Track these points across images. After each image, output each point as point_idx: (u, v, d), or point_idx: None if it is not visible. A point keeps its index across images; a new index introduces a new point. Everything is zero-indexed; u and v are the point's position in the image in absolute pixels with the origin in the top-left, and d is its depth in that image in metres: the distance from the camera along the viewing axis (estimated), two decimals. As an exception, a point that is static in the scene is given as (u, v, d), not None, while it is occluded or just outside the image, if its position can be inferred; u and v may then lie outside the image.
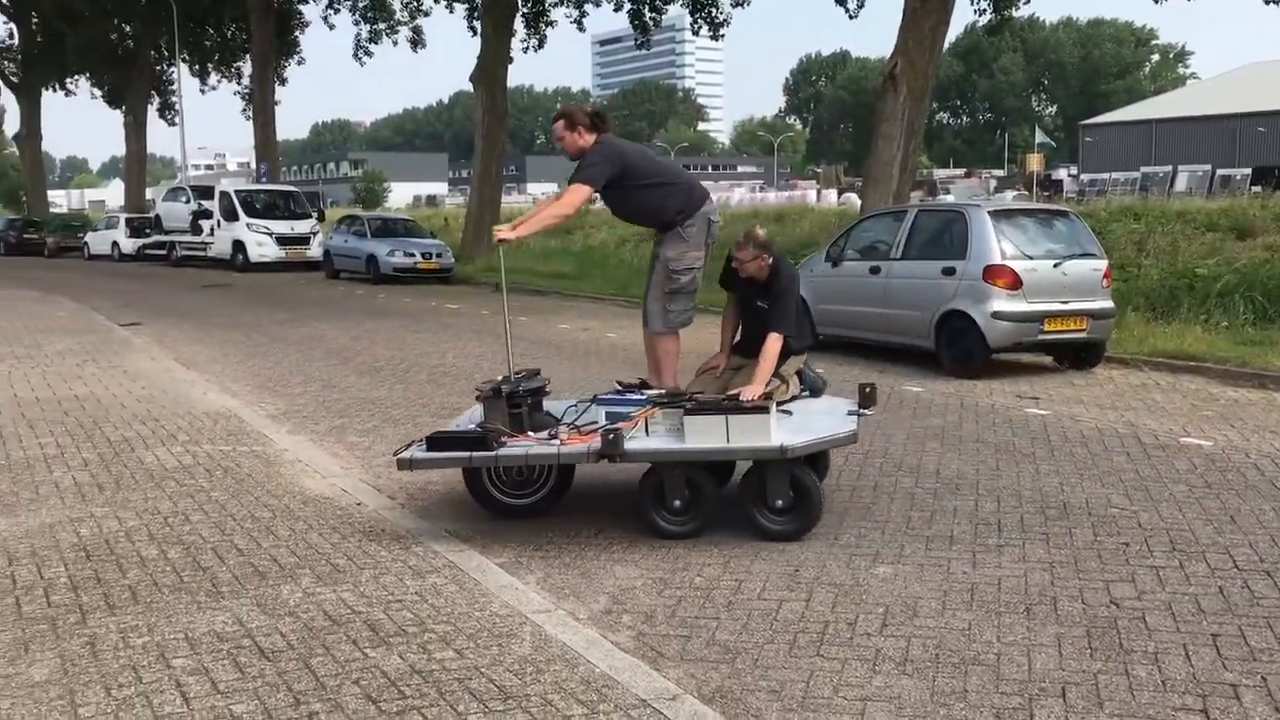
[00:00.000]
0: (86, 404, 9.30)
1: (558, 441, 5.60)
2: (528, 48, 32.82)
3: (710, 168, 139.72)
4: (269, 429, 8.44)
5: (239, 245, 29.42)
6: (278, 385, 10.66)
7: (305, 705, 3.67)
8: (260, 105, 38.52)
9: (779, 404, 5.77)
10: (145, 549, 5.34)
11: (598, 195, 6.45)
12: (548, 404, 6.21)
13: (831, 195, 55.34)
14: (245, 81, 46.26)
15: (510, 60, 29.31)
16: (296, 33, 43.69)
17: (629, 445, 5.43)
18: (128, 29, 48.17)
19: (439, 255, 25.52)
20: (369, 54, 39.75)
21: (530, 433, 5.73)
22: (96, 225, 40.02)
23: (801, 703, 3.83)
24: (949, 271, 10.91)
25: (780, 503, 5.54)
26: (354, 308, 19.38)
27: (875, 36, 34.68)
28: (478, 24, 30.46)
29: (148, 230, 35.40)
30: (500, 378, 6.09)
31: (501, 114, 29.63)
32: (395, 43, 41.51)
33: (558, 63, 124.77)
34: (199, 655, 4.08)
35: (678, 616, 4.66)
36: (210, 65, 48.39)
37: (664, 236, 6.50)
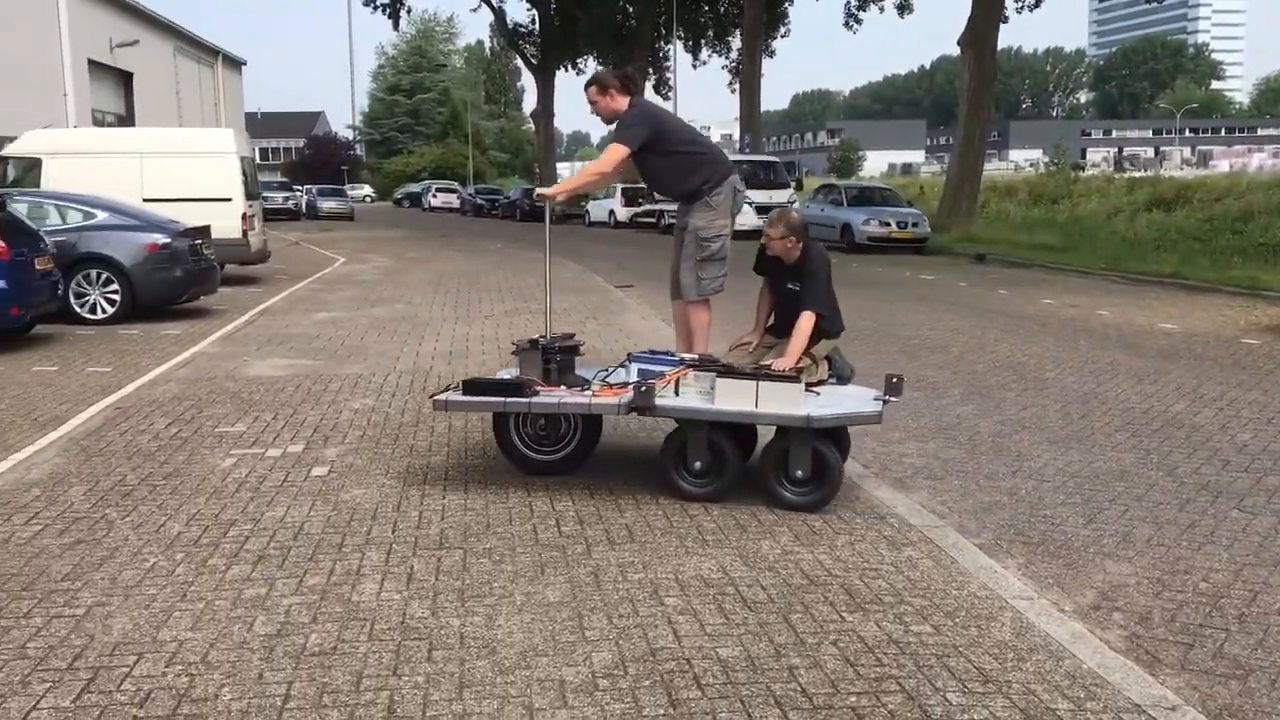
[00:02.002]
0: (588, 354, 10.17)
1: (589, 393, 5.72)
2: (1022, 7, 31.25)
3: (1223, 130, 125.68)
4: (749, 390, 8.76)
5: (721, 213, 30.75)
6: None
7: (785, 658, 3.79)
8: (747, 78, 39.96)
9: (807, 384, 5.78)
10: (640, 493, 5.77)
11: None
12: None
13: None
14: (734, 55, 48.22)
15: (1004, 20, 28.07)
16: (786, 4, 44.72)
17: (660, 402, 5.57)
18: (631, 10, 51.85)
19: (915, 224, 25.16)
20: (859, 21, 39.79)
21: (563, 387, 5.86)
22: (596, 195, 43.67)
23: (1331, 739, 3.38)
24: None
25: (800, 473, 5.52)
26: (828, 276, 19.60)
27: None
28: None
29: (640, 199, 38.06)
30: (537, 335, 6.24)
31: (989, 78, 28.53)
32: (883, 9, 41.15)
33: (1050, 21, 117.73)
34: (688, 596, 4.34)
35: (1178, 622, 4.27)
36: (703, 41, 50.93)
37: (690, 206, 6.52)
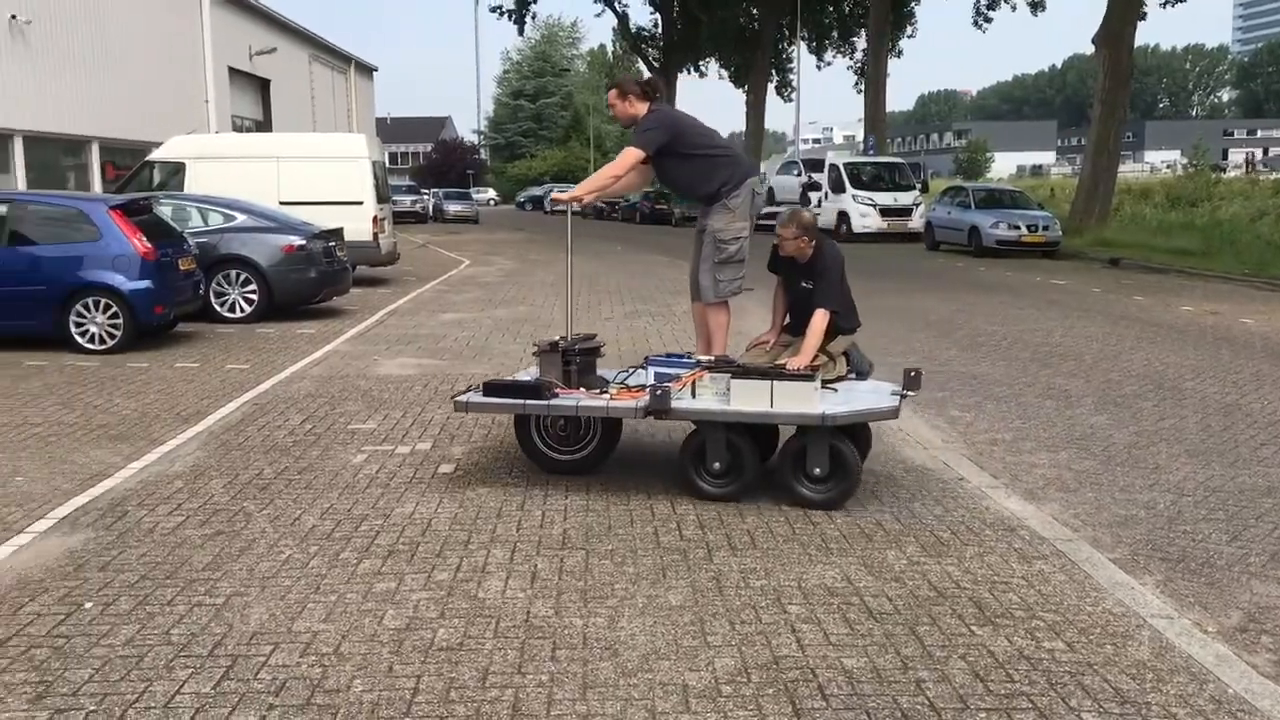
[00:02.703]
0: (710, 359, 10.17)
1: (607, 396, 5.79)
2: (1165, 2, 30.12)
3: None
4: (872, 395, 8.64)
5: (843, 216, 30.46)
6: (880, 354, 10.84)
7: (913, 671, 3.71)
8: (872, 78, 39.41)
9: (825, 382, 5.86)
10: (762, 499, 5.73)
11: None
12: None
13: None
14: (859, 56, 47.63)
15: (1142, 17, 27.13)
16: (913, 4, 43.99)
17: (676, 404, 5.62)
18: (754, 12, 51.63)
19: (1045, 228, 24.46)
20: (988, 20, 38.90)
21: (582, 389, 5.92)
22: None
23: None
24: None
25: (818, 471, 5.55)
26: (954, 280, 19.23)
27: None
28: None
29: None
30: (558, 336, 6.30)
31: (1124, 77, 27.58)
32: (1014, 7, 40.13)
33: (1191, 17, 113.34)
34: (811, 605, 4.29)
35: (1332, 648, 4.06)
36: (827, 42, 50.42)
37: (709, 209, 6.49)
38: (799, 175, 34.38)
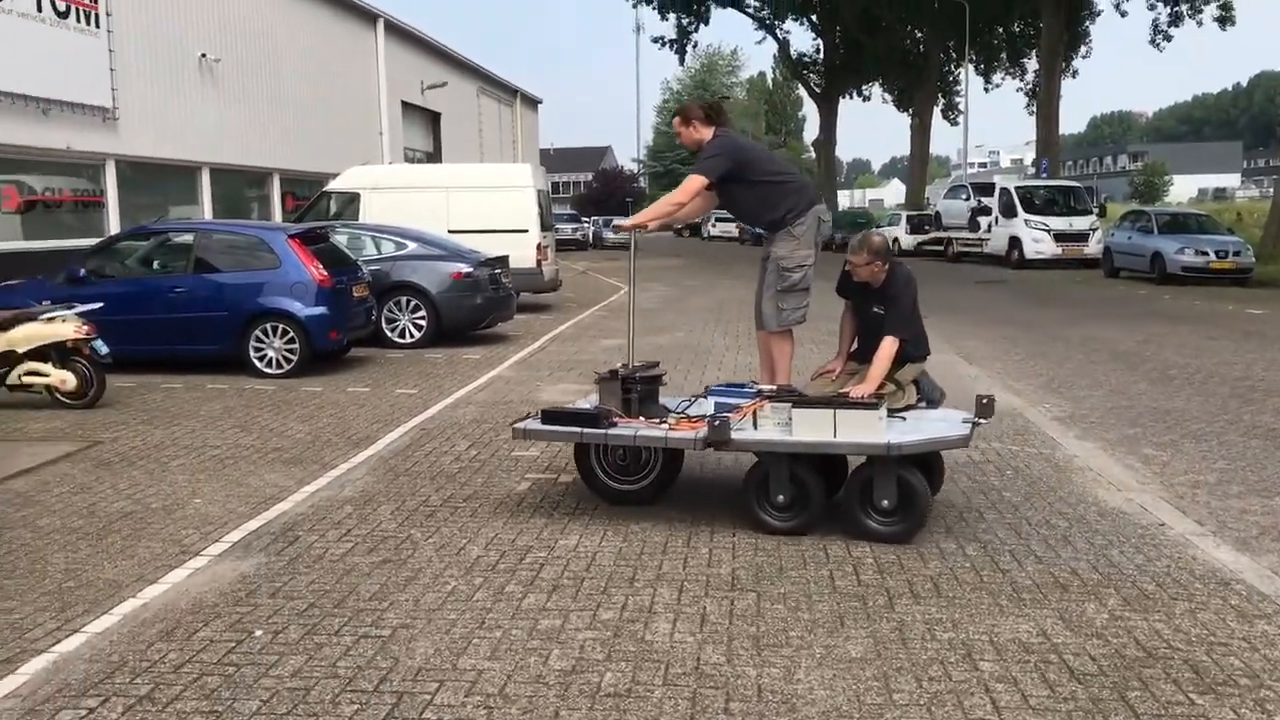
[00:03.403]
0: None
1: (666, 426, 5.63)
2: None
3: None
4: (1056, 432, 8.15)
5: (1014, 241, 29.42)
6: (1062, 387, 10.30)
7: (1126, 744, 3.35)
8: (1045, 100, 38.09)
9: (893, 411, 5.65)
10: (944, 542, 5.38)
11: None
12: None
13: None
14: (1029, 77, 46.15)
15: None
16: (1087, 23, 42.40)
17: (736, 436, 5.42)
18: (919, 35, 50.67)
19: (1236, 253, 23.05)
20: (1168, 38, 37.16)
21: (642, 418, 5.78)
22: (880, 222, 42.82)
23: None
24: None
25: (886, 503, 5.33)
26: (1137, 309, 18.23)
27: None
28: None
29: (926, 227, 36.96)
30: (620, 364, 6.19)
31: (1324, 93, 25.81)
32: (1200, 23, 38.17)
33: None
34: (1005, 662, 3.95)
35: None
36: (996, 64, 49.05)
37: (774, 235, 6.35)
38: (967, 199, 33.36)
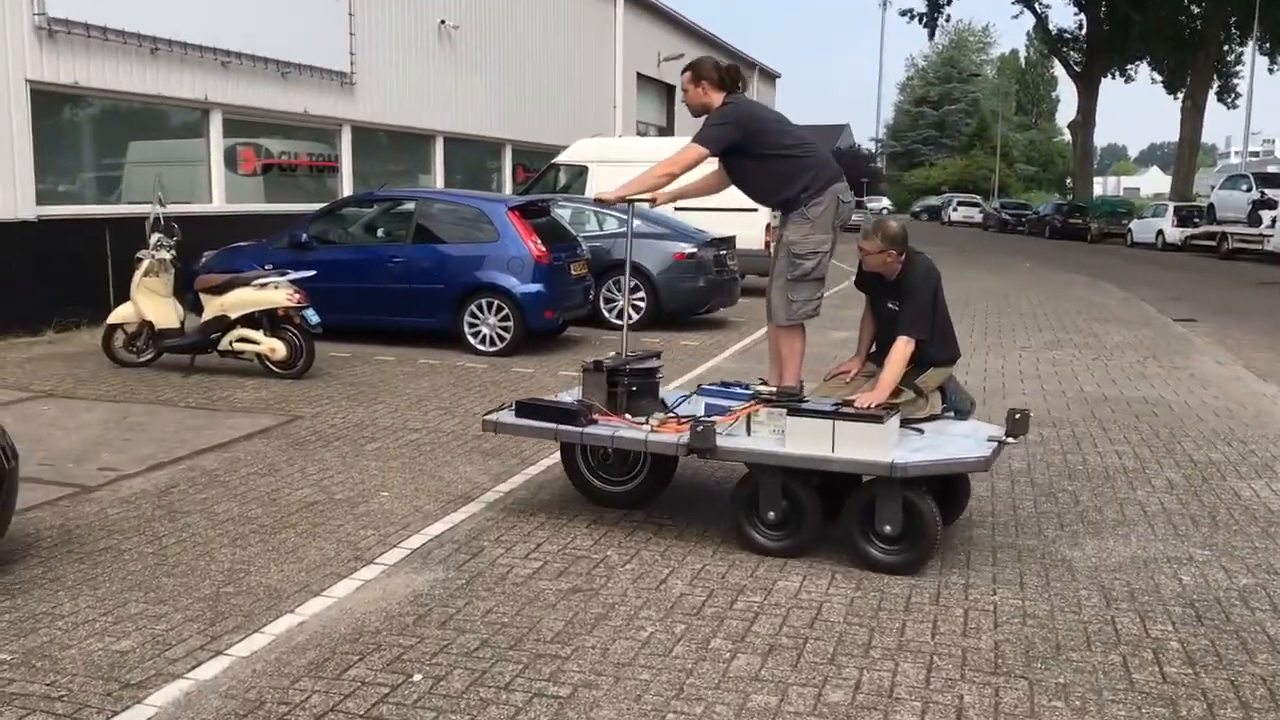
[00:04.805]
0: (1157, 409, 8.45)
1: (648, 428, 5.04)
2: None
3: None
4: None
5: (1302, 239, 26.29)
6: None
7: None
8: (1342, 81, 34.03)
9: (912, 421, 5.06)
10: (1241, 616, 4.20)
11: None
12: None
13: None
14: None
15: None
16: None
17: (724, 443, 4.85)
18: (1196, 10, 46.49)
19: None
20: None
21: (627, 415, 5.21)
22: (1143, 212, 39.52)
23: None
24: None
25: (889, 529, 4.69)
26: None
27: None
28: None
29: (1196, 219, 33.74)
30: (611, 354, 5.61)
31: None
32: None
33: None
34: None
35: None
36: (1286, 41, 44.39)
37: (787, 217, 5.58)
38: (1248, 190, 30.15)
